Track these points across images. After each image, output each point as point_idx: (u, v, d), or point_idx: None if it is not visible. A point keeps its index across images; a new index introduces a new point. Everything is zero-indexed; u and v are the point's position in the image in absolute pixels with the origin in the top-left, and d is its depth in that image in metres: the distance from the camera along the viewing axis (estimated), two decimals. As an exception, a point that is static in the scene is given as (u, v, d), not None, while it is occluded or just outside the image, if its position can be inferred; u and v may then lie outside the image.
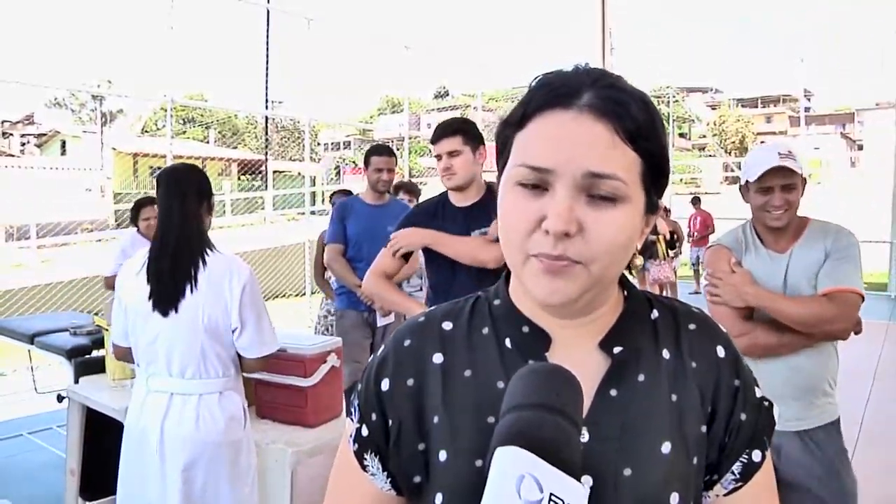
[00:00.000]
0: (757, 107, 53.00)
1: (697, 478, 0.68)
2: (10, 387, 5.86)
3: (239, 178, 26.74)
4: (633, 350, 0.69)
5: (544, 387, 0.55)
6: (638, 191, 0.64)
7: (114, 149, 25.23)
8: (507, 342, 0.70)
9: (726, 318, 1.84)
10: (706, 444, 0.69)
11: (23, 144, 32.63)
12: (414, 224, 2.39)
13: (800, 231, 1.90)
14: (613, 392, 0.67)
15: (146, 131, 36.24)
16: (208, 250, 2.02)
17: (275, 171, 24.27)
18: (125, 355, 2.14)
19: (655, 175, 0.66)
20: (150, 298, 1.98)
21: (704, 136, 45.13)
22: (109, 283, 3.77)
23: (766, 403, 0.72)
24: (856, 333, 1.83)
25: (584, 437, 0.64)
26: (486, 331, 0.72)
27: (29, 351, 3.79)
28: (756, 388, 0.72)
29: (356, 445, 0.73)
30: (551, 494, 0.49)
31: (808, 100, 49.90)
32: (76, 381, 3.00)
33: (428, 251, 2.35)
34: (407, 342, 0.73)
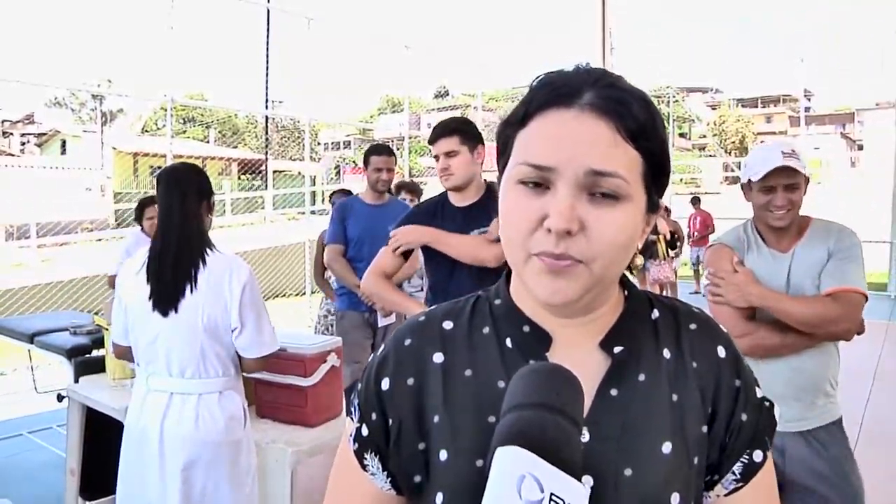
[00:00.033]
0: (757, 107, 52.99)
1: (698, 478, 0.68)
2: (10, 386, 5.85)
3: (239, 178, 26.73)
4: (633, 350, 0.69)
5: (545, 386, 0.55)
6: (639, 189, 0.64)
7: (114, 148, 25.24)
8: (508, 342, 0.70)
9: (728, 319, 1.82)
10: (707, 445, 0.69)
11: (23, 144, 32.64)
12: (413, 223, 2.38)
13: (802, 230, 1.89)
14: (614, 392, 0.67)
15: (146, 131, 36.23)
16: (208, 250, 2.01)
17: (275, 171, 24.26)
18: (125, 354, 2.14)
19: (656, 174, 0.66)
20: (150, 299, 1.98)
21: (704, 136, 45.14)
22: (113, 282, 3.77)
23: (767, 404, 0.72)
24: (858, 334, 1.82)
25: (585, 436, 0.64)
26: (486, 330, 0.72)
27: (29, 350, 3.80)
28: (757, 389, 0.72)
29: (356, 445, 0.73)
30: (552, 494, 0.49)
31: (808, 100, 49.91)
32: (76, 381, 3.00)
33: (427, 250, 2.35)
34: (407, 341, 0.73)
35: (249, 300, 2.00)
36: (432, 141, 2.36)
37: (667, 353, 0.70)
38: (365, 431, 0.72)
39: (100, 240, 14.29)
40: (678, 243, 9.30)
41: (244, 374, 2.14)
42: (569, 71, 0.67)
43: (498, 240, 0.69)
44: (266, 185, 21.20)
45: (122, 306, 2.07)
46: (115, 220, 18.05)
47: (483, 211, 2.31)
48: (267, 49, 17.90)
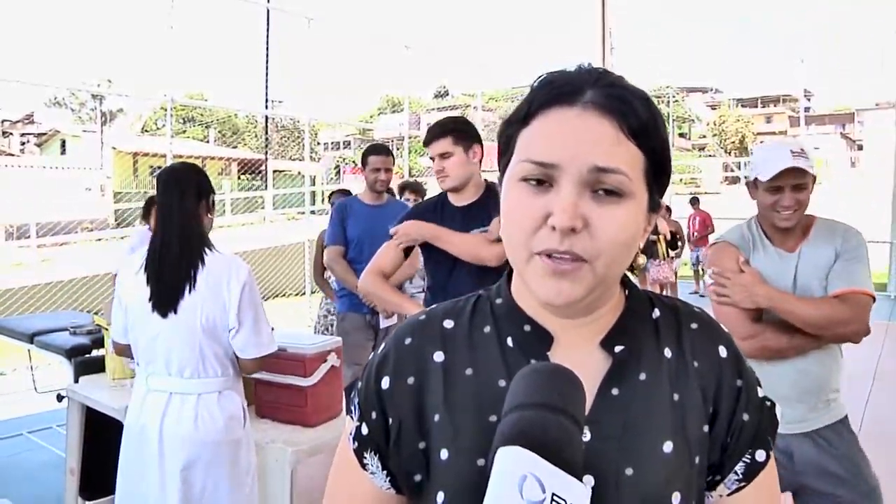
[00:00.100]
0: (757, 107, 53.00)
1: (699, 478, 0.68)
2: (9, 386, 5.85)
3: (239, 178, 26.73)
4: (634, 349, 0.69)
5: (546, 386, 0.55)
6: (641, 188, 0.64)
7: (114, 148, 25.25)
8: (509, 341, 0.70)
9: (733, 320, 1.77)
10: (708, 444, 0.69)
11: (23, 144, 32.64)
12: None
13: (807, 229, 1.85)
14: (615, 391, 0.67)
15: (146, 130, 36.22)
16: (207, 250, 2.01)
17: (275, 171, 24.26)
18: (125, 351, 2.14)
19: (658, 173, 0.66)
20: (150, 300, 1.98)
21: (704, 136, 45.13)
22: (117, 281, 3.77)
23: (769, 403, 0.72)
24: (864, 335, 1.78)
25: (586, 436, 0.64)
26: (487, 329, 0.72)
27: (28, 350, 3.79)
28: (758, 388, 0.72)
29: (356, 444, 0.72)
30: (553, 494, 0.49)
31: (808, 100, 49.98)
32: (76, 381, 3.00)
33: (427, 249, 2.35)
34: (408, 340, 0.73)
35: (248, 301, 2.00)
36: (426, 143, 2.36)
37: (668, 353, 0.70)
38: (365, 430, 0.72)
39: (99, 240, 14.30)
40: (679, 243, 9.30)
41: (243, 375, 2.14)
42: (570, 70, 0.67)
43: (499, 239, 0.69)
44: (266, 185, 21.19)
45: (122, 306, 2.07)
46: (115, 220, 18.05)
47: (483, 210, 2.30)
48: (267, 49, 17.90)
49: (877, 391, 5.10)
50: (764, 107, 53.07)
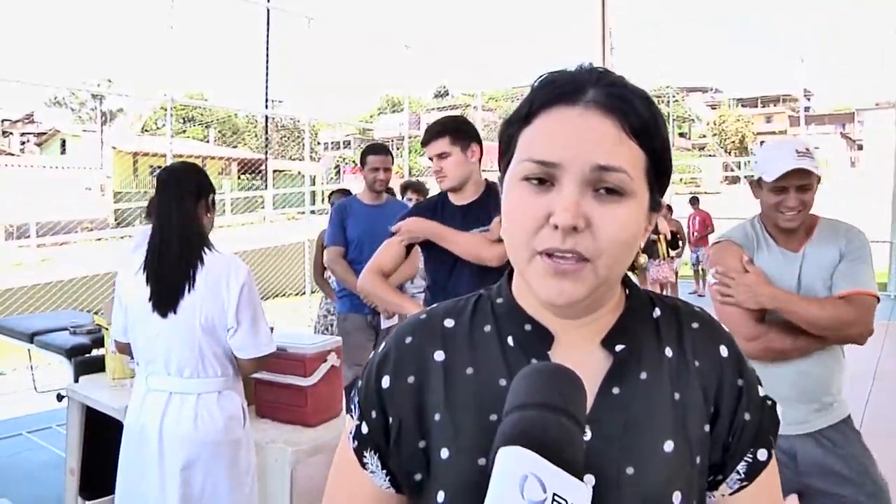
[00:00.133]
0: (757, 107, 53.00)
1: (700, 477, 0.68)
2: (9, 386, 5.85)
3: (239, 178, 26.72)
4: (635, 348, 0.69)
5: (547, 386, 0.55)
6: (643, 187, 0.65)
7: (114, 148, 25.24)
8: (510, 340, 0.70)
9: (737, 320, 1.75)
10: (709, 444, 0.69)
11: (23, 143, 32.64)
12: None
13: (810, 229, 1.83)
14: (616, 390, 0.67)
15: (146, 130, 36.20)
16: (206, 249, 2.01)
17: (275, 171, 24.25)
18: (126, 349, 2.14)
19: (659, 172, 0.66)
20: (150, 300, 1.97)
21: (704, 136, 45.14)
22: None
23: (769, 402, 0.72)
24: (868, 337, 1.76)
25: (587, 435, 0.64)
26: (488, 328, 0.72)
27: (28, 350, 3.78)
28: (759, 388, 0.72)
29: (356, 442, 0.72)
30: (555, 495, 0.49)
31: (808, 100, 49.99)
32: (76, 381, 3.00)
33: (428, 249, 2.34)
34: (408, 339, 0.73)
35: (246, 301, 1.99)
36: (424, 143, 2.35)
37: (669, 352, 0.70)
38: (365, 429, 0.72)
39: (99, 239, 14.29)
40: (680, 243, 9.29)
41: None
42: (571, 70, 0.67)
43: (500, 240, 0.69)
44: (266, 185, 21.19)
45: (122, 305, 2.07)
46: (115, 220, 18.05)
47: (483, 209, 2.30)
48: (267, 49, 17.90)
49: (877, 391, 5.10)
50: (764, 107, 53.08)
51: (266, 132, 26.01)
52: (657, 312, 0.73)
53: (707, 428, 0.69)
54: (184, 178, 2.07)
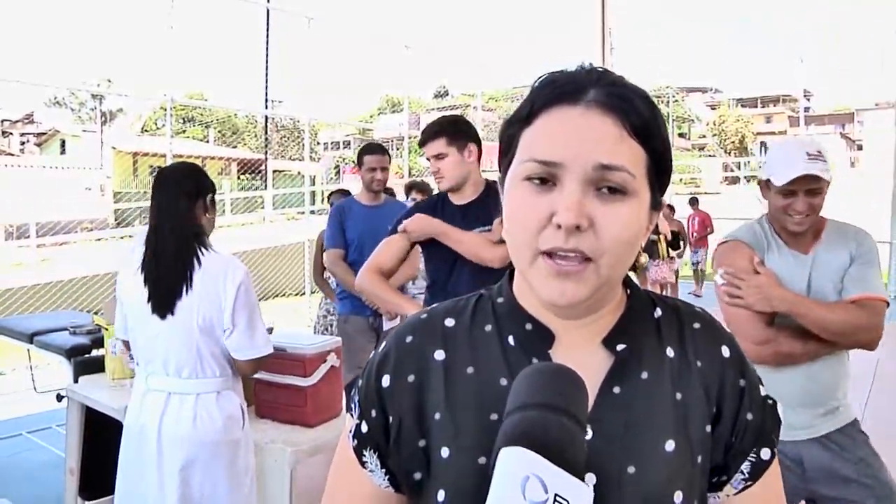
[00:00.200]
0: (757, 107, 53.01)
1: (702, 478, 0.68)
2: (9, 386, 5.85)
3: (238, 178, 26.71)
4: (636, 348, 0.69)
5: (549, 387, 0.55)
6: (644, 186, 0.65)
7: (113, 148, 25.23)
8: (510, 339, 0.70)
9: (746, 323, 1.70)
10: (710, 444, 0.69)
11: (22, 143, 32.63)
12: None
13: (818, 231, 1.79)
14: (617, 389, 0.67)
15: (146, 130, 36.18)
16: (204, 250, 2.00)
17: (274, 171, 24.23)
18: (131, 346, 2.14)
19: (659, 171, 0.67)
20: (148, 301, 1.97)
21: (704, 136, 45.09)
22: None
23: (770, 402, 0.73)
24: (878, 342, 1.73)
25: (588, 434, 0.64)
26: (488, 328, 0.72)
27: (28, 350, 3.78)
28: (760, 387, 0.72)
29: (355, 441, 0.73)
30: (556, 495, 0.49)
31: (808, 100, 50.00)
32: (75, 381, 3.00)
33: (428, 248, 2.34)
34: (408, 339, 0.73)
35: (243, 301, 1.98)
36: (421, 144, 2.35)
37: (670, 352, 0.70)
38: (364, 428, 0.72)
39: (99, 239, 14.28)
40: (681, 243, 9.29)
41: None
42: (571, 70, 0.67)
43: (502, 241, 0.69)
44: (266, 185, 21.17)
45: (122, 305, 2.07)
46: (115, 220, 18.04)
47: (483, 208, 2.29)
48: (267, 49, 17.87)
49: (877, 392, 5.10)
50: (764, 107, 53.08)
51: (266, 132, 26.01)
52: (658, 312, 0.73)
53: (708, 428, 0.69)
54: (181, 178, 2.06)
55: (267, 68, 18.12)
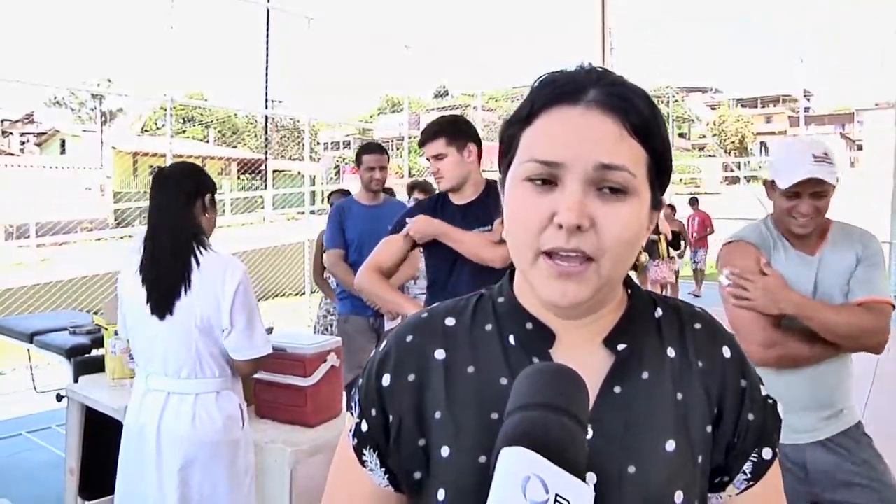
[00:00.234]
0: (757, 107, 52.99)
1: (702, 478, 0.68)
2: (9, 386, 5.85)
3: (238, 178, 26.69)
4: (636, 348, 0.69)
5: (550, 387, 0.55)
6: (644, 185, 0.65)
7: (113, 148, 25.22)
8: (511, 339, 0.70)
9: (752, 325, 1.67)
10: (711, 445, 0.69)
11: (22, 143, 32.64)
12: None
13: (823, 232, 1.77)
14: (617, 389, 0.67)
15: (146, 130, 36.17)
16: (202, 249, 2.00)
17: (274, 171, 24.22)
18: None
19: (660, 171, 0.67)
20: (147, 302, 1.97)
21: (704, 136, 45.07)
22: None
23: (771, 401, 0.73)
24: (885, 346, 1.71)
25: (588, 434, 0.64)
26: (489, 327, 0.72)
27: (28, 350, 3.78)
28: (761, 387, 0.72)
29: (355, 440, 0.73)
30: (557, 495, 0.49)
31: (808, 100, 49.98)
32: (75, 381, 3.00)
33: (428, 248, 2.34)
34: (409, 338, 0.73)
35: (241, 301, 1.98)
36: (420, 144, 2.35)
37: (671, 353, 0.70)
38: (364, 427, 0.72)
39: (99, 239, 14.28)
40: (682, 243, 9.29)
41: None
42: (571, 70, 0.67)
43: (502, 241, 0.69)
44: (265, 185, 21.16)
45: (123, 305, 2.07)
46: (115, 220, 18.04)
47: (483, 208, 2.29)
48: (267, 49, 17.85)
49: (877, 392, 5.09)
50: (764, 107, 53.07)
51: (266, 132, 25.99)
52: (659, 313, 0.73)
53: (709, 429, 0.69)
54: (179, 178, 2.05)
55: (267, 68, 18.11)
